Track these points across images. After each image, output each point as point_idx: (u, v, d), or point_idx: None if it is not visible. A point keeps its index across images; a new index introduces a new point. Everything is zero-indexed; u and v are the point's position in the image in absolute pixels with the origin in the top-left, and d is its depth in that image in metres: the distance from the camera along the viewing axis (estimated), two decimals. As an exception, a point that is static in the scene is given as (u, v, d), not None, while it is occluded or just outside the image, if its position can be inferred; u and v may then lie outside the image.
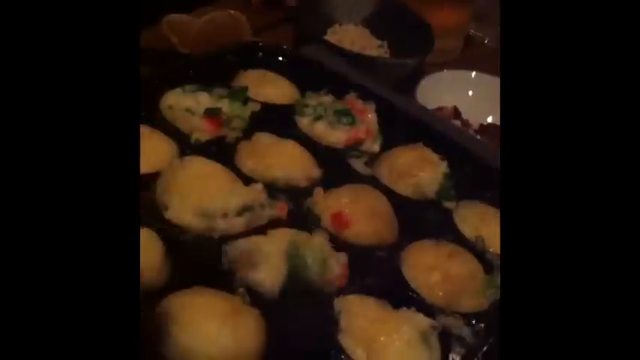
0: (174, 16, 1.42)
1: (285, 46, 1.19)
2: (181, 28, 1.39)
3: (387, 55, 1.60)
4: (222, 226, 0.88)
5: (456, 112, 1.48)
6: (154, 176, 0.92)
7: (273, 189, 0.95)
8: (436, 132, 1.09)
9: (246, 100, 1.07)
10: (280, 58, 1.19)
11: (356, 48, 1.57)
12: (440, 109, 1.47)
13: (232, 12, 1.50)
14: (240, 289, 0.83)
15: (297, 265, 0.83)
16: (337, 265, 0.85)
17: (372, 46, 1.61)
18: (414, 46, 1.56)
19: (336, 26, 1.63)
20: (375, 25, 1.65)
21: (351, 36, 1.61)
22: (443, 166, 1.04)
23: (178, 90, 1.05)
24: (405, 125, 1.11)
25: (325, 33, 1.60)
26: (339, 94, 1.13)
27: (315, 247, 0.84)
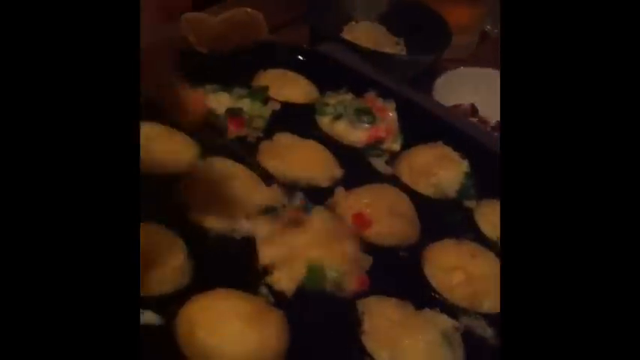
0: (191, 14, 1.42)
1: (304, 45, 1.18)
2: (199, 26, 1.39)
3: (404, 52, 1.60)
4: (245, 226, 0.88)
5: (473, 110, 1.48)
6: (177, 177, 0.92)
7: (294, 188, 0.95)
8: (456, 130, 1.09)
9: (266, 100, 1.07)
10: (300, 57, 1.19)
11: (372, 45, 1.56)
12: (457, 106, 1.46)
13: (249, 10, 1.50)
14: (264, 290, 0.83)
15: (315, 278, 0.83)
16: (358, 275, 0.85)
17: (388, 43, 1.61)
18: (430, 42, 1.56)
19: (352, 23, 1.63)
20: (391, 22, 1.64)
21: (368, 33, 1.61)
22: (464, 165, 1.04)
23: (199, 90, 1.05)
24: (425, 123, 1.11)
25: (341, 30, 1.60)
26: (358, 92, 1.13)
27: (337, 264, 0.84)
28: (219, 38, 1.47)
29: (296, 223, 0.89)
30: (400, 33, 1.63)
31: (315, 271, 0.83)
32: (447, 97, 1.46)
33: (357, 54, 1.31)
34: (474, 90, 1.53)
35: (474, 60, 1.71)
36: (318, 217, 0.90)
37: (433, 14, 1.61)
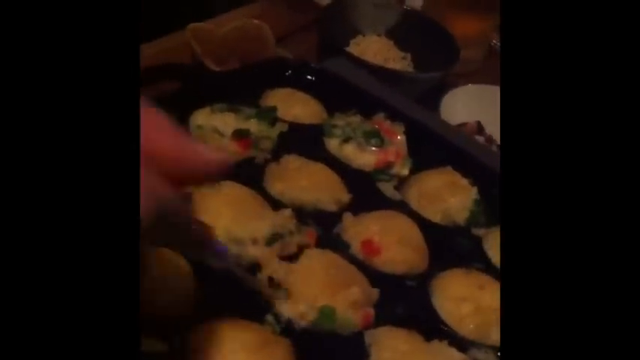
0: (197, 25, 1.41)
1: (313, 65, 1.17)
2: (205, 37, 1.38)
3: (411, 67, 1.59)
4: (251, 252, 0.87)
5: (479, 128, 1.47)
6: (185, 196, 0.91)
7: (302, 213, 0.94)
8: (466, 155, 1.08)
9: (274, 121, 1.05)
10: (308, 77, 1.18)
11: (379, 59, 1.56)
12: (463, 124, 1.45)
13: (256, 21, 1.49)
14: (270, 319, 0.82)
15: (323, 322, 0.83)
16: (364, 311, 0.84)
17: (395, 58, 1.60)
18: (437, 58, 1.55)
19: (360, 37, 1.62)
20: (398, 36, 1.63)
21: (375, 47, 1.60)
22: (473, 192, 1.03)
23: (207, 109, 1.04)
24: (434, 147, 1.10)
25: (348, 44, 1.59)
26: (367, 113, 1.12)
27: (345, 308, 0.83)
28: (225, 49, 1.46)
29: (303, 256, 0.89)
30: (407, 47, 1.62)
31: (324, 316, 0.82)
32: (453, 115, 1.45)
33: (364, 70, 1.30)
34: (480, 107, 1.52)
35: (480, 75, 1.70)
36: (326, 252, 0.89)
37: (441, 30, 1.61)
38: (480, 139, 1.43)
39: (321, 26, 1.51)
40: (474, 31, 1.75)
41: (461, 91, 1.52)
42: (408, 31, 1.63)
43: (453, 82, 1.55)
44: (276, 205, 0.95)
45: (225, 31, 1.46)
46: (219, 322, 0.80)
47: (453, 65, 1.50)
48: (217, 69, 1.30)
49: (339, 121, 1.10)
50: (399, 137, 1.09)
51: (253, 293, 0.84)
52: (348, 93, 1.15)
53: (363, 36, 1.63)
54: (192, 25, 1.39)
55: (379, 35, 1.64)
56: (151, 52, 1.52)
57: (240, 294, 0.84)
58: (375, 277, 0.90)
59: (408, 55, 1.61)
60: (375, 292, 0.87)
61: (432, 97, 1.47)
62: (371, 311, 0.85)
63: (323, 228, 0.94)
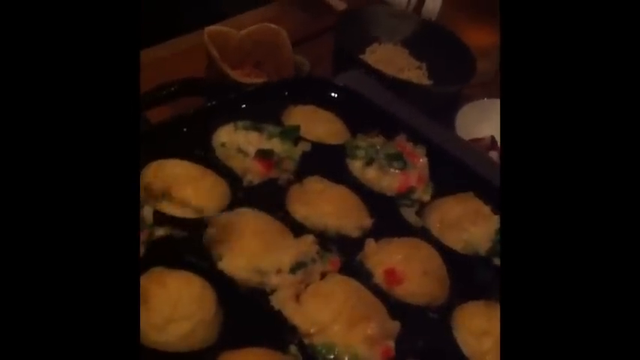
0: (215, 28, 1.40)
1: (336, 82, 1.15)
2: (221, 40, 1.37)
3: (426, 77, 1.58)
4: (274, 281, 0.87)
5: (493, 143, 1.46)
6: (208, 220, 0.91)
7: (324, 239, 0.94)
8: (487, 182, 1.07)
9: (297, 140, 1.05)
10: (332, 95, 1.16)
11: (394, 68, 1.55)
12: (477, 140, 1.45)
13: (273, 26, 1.48)
14: (293, 349, 0.82)
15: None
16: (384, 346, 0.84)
17: (410, 67, 1.59)
18: (453, 69, 1.55)
19: (375, 45, 1.61)
20: (414, 46, 1.63)
21: (390, 55, 1.59)
22: (495, 221, 1.02)
23: (230, 126, 1.03)
24: (456, 173, 1.09)
25: (364, 52, 1.58)
26: (389, 134, 1.11)
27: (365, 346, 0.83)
28: (242, 53, 1.45)
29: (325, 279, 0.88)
30: (422, 57, 1.61)
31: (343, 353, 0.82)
32: (468, 129, 1.45)
33: (383, 84, 1.29)
34: (495, 121, 1.51)
35: (494, 85, 1.69)
36: (348, 280, 0.89)
37: (457, 41, 1.60)
38: (494, 154, 1.42)
39: (338, 33, 1.50)
40: (488, 42, 1.74)
41: (476, 105, 1.51)
42: (424, 41, 1.62)
43: (468, 94, 1.54)
44: (298, 229, 0.94)
45: (242, 35, 1.45)
46: (242, 352, 0.80)
47: (470, 79, 1.50)
48: (234, 75, 1.29)
49: (362, 142, 1.09)
50: (421, 160, 1.08)
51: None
52: (370, 112, 1.14)
53: (379, 44, 1.62)
54: (209, 29, 1.38)
55: (395, 44, 1.63)
56: (165, 54, 1.51)
57: (264, 323, 0.84)
58: (396, 308, 0.89)
59: (424, 65, 1.61)
60: (395, 325, 0.86)
61: (447, 108, 1.46)
62: (391, 345, 0.85)
63: (345, 254, 0.93)
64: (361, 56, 1.53)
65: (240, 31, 1.43)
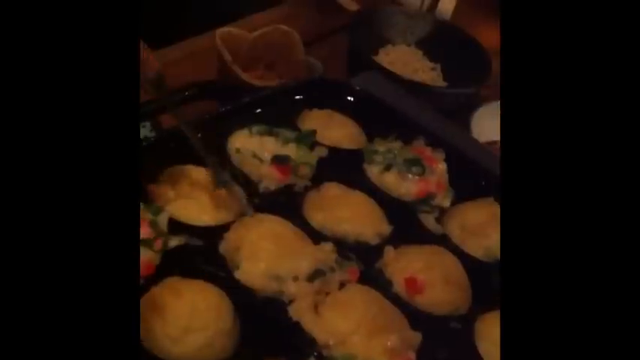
0: (226, 30, 1.38)
1: (353, 85, 1.13)
2: (233, 42, 1.35)
3: (440, 78, 1.56)
4: (292, 289, 0.85)
5: (508, 146, 1.44)
6: (225, 229, 0.89)
7: (342, 246, 0.92)
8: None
9: (313, 145, 1.03)
10: (348, 98, 1.14)
11: (409, 69, 1.53)
12: (492, 143, 1.43)
13: (285, 28, 1.46)
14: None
15: None
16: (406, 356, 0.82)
17: (424, 69, 1.57)
18: (468, 70, 1.52)
19: (389, 46, 1.59)
20: (428, 47, 1.61)
21: (404, 57, 1.57)
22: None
23: (245, 131, 1.02)
24: (475, 177, 1.07)
25: (378, 53, 1.56)
26: (407, 138, 1.09)
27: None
28: (253, 54, 1.43)
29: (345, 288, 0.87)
30: (437, 58, 1.59)
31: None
32: (484, 130, 1.42)
33: (399, 86, 1.27)
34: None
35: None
36: (368, 289, 0.87)
37: (471, 42, 1.58)
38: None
39: (352, 35, 1.48)
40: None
41: (491, 107, 1.48)
42: (439, 42, 1.60)
43: (484, 94, 1.51)
44: (316, 236, 0.92)
45: (254, 37, 1.43)
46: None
47: (485, 80, 1.47)
48: (246, 77, 1.28)
49: (380, 146, 1.07)
50: (440, 165, 1.06)
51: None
52: (387, 115, 1.12)
53: (393, 45, 1.60)
54: (220, 31, 1.36)
55: (409, 45, 1.61)
56: (176, 56, 1.49)
57: (282, 333, 0.82)
58: (417, 318, 0.87)
59: (438, 66, 1.58)
60: (417, 336, 0.84)
61: (462, 110, 1.44)
62: (412, 357, 0.83)
63: (364, 262, 0.91)
64: (375, 58, 1.51)
65: (251, 32, 1.41)
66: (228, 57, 1.32)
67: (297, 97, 1.11)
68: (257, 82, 1.27)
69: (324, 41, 1.65)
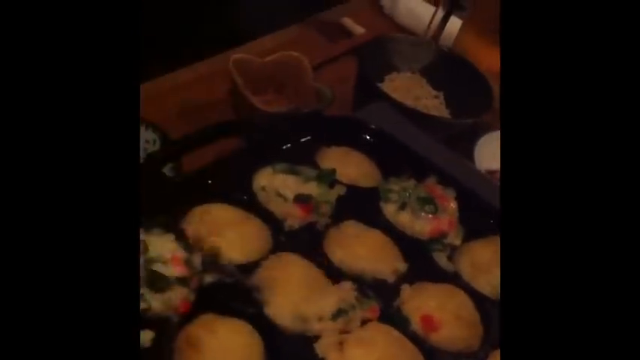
0: (239, 56, 1.43)
1: (369, 124, 1.19)
2: (245, 68, 1.40)
3: (443, 106, 1.61)
4: (317, 328, 0.90)
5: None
6: (254, 265, 0.95)
7: (361, 284, 0.97)
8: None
9: (332, 183, 1.08)
10: (364, 136, 1.20)
11: (411, 96, 1.58)
12: (493, 172, 1.48)
13: (294, 53, 1.51)
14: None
15: None
16: None
17: (427, 96, 1.62)
18: (470, 98, 1.57)
19: (394, 74, 1.64)
20: (432, 74, 1.65)
21: (408, 84, 1.62)
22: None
23: (269, 169, 1.06)
24: (484, 216, 1.12)
25: (383, 80, 1.60)
26: (419, 177, 1.14)
27: None
28: (263, 79, 1.48)
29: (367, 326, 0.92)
30: (440, 86, 1.64)
31: None
32: (487, 159, 1.48)
33: (405, 117, 1.32)
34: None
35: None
36: (389, 333, 0.93)
37: (474, 71, 1.63)
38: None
39: (360, 63, 1.53)
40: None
41: (494, 136, 1.54)
42: (442, 70, 1.65)
43: (487, 121, 1.56)
44: (336, 273, 0.98)
45: (265, 62, 1.49)
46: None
47: (487, 109, 1.52)
48: (256, 101, 1.33)
49: (395, 185, 1.12)
50: (451, 204, 1.11)
51: None
52: (402, 154, 1.17)
53: (398, 73, 1.64)
54: (234, 57, 1.41)
55: (413, 72, 1.66)
56: (188, 79, 1.54)
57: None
58: (433, 355, 0.93)
59: (441, 94, 1.64)
60: None
61: (464, 137, 1.50)
62: None
63: (383, 300, 0.97)
64: (380, 84, 1.56)
65: (260, 54, 1.46)
66: (240, 81, 1.37)
67: (317, 133, 1.16)
68: (267, 108, 1.33)
69: (330, 65, 1.69)
